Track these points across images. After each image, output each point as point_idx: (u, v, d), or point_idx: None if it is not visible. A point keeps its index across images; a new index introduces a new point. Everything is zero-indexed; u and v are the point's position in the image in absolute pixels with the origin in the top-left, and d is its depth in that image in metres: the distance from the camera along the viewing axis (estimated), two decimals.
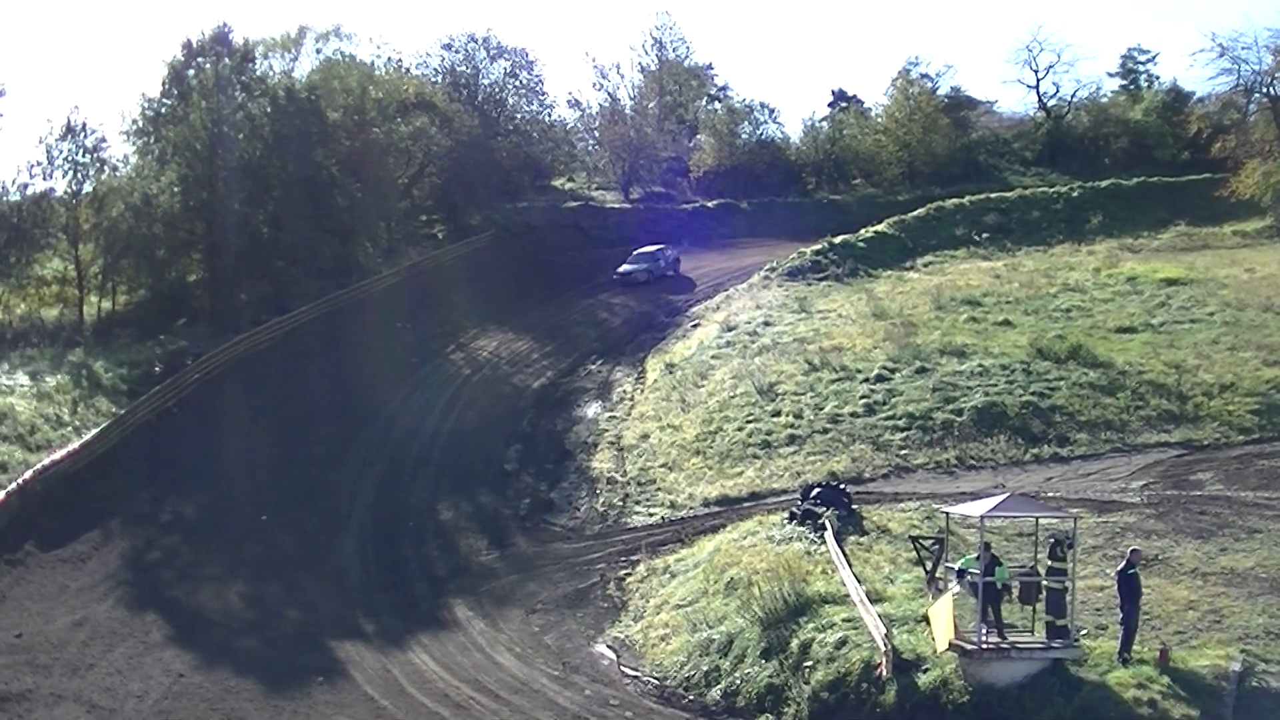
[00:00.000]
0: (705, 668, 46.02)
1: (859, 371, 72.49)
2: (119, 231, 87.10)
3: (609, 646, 51.00)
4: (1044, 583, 39.11)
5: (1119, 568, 39.87)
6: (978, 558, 39.38)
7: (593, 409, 79.37)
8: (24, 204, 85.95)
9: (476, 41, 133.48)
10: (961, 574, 40.07)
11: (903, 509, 56.57)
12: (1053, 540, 39.88)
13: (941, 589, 41.43)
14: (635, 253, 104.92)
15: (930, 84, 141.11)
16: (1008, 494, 47.25)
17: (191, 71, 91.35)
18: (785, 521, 55.21)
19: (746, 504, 61.79)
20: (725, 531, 57.30)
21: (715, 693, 44.68)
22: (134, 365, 76.48)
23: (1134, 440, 63.53)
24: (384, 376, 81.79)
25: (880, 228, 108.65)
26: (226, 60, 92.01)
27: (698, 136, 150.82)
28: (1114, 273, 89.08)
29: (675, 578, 54.62)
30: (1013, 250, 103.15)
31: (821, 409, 69.51)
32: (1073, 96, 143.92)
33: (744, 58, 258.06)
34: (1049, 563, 39.51)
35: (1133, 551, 40.51)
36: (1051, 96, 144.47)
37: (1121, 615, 39.13)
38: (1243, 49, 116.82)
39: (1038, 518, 42.71)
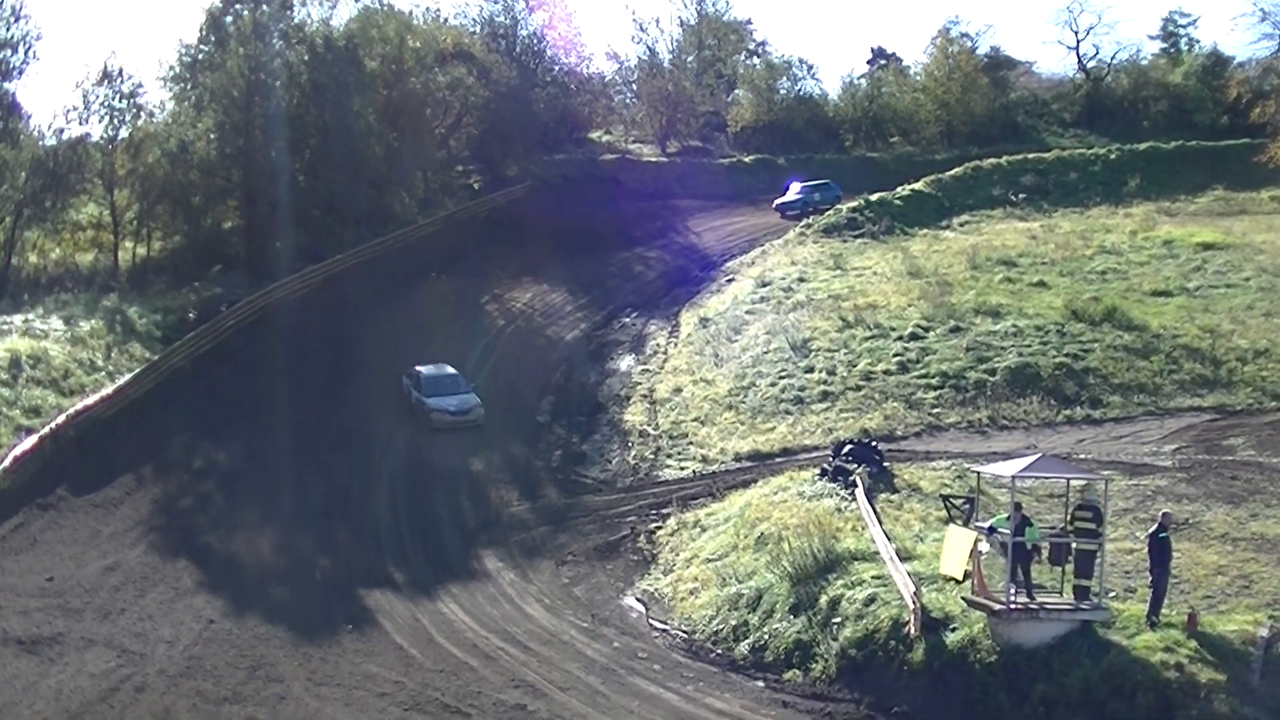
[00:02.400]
0: (734, 622, 46.13)
1: (893, 329, 72.59)
2: (155, 178, 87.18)
3: (638, 599, 51.17)
4: (1073, 544, 39.05)
5: (1150, 531, 39.85)
6: (1009, 518, 39.36)
7: (626, 362, 79.43)
8: (60, 149, 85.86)
9: None
10: (992, 531, 40.05)
11: (934, 467, 56.72)
12: (1078, 504, 39.88)
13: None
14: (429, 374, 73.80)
15: (970, 43, 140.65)
16: (1039, 455, 47.17)
17: (229, 18, 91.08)
18: (816, 478, 55.35)
19: (778, 459, 62.00)
20: (756, 487, 57.41)
21: (743, 647, 44.79)
22: (169, 312, 76.71)
23: (1167, 404, 63.75)
24: (418, 327, 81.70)
25: (917, 186, 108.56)
26: (265, 7, 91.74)
27: (736, 91, 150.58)
28: (1150, 236, 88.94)
29: (705, 532, 54.72)
30: (1049, 211, 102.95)
31: (855, 366, 69.65)
32: (1112, 59, 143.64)
33: (783, 13, 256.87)
34: (1070, 525, 39.49)
35: (1164, 515, 40.47)
36: (1091, 58, 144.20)
37: (1151, 578, 39.12)
38: None
39: (1069, 479, 42.64)
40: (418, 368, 73.18)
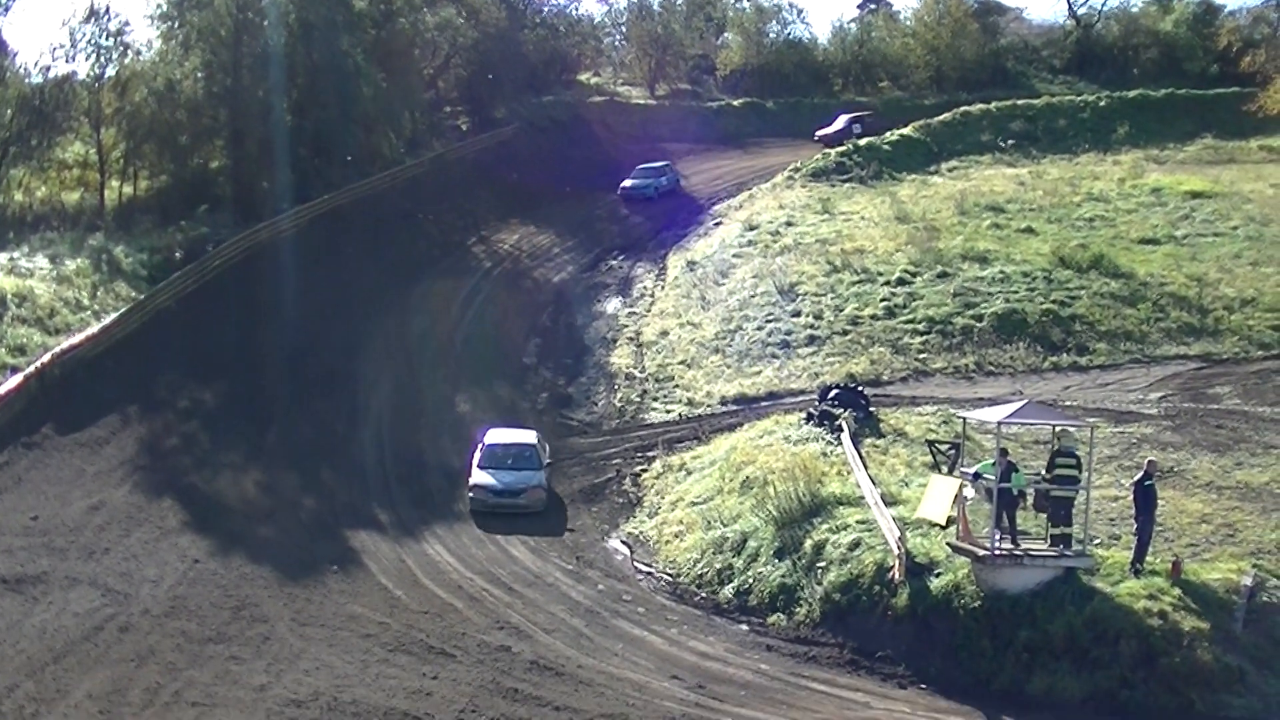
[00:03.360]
0: (718, 566, 46.20)
1: (880, 274, 72.46)
2: (141, 117, 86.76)
3: (623, 542, 51.26)
4: (1052, 491, 39.05)
5: (1135, 478, 39.92)
6: (994, 464, 39.36)
7: (613, 304, 79.44)
8: (46, 87, 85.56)
9: None
10: (977, 477, 40.06)
11: (920, 413, 56.71)
12: (1057, 450, 39.83)
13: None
14: None
15: None
16: (1026, 401, 47.20)
17: None
18: (802, 422, 55.41)
19: (764, 403, 62.06)
20: (742, 430, 57.50)
21: (728, 591, 44.87)
22: (155, 251, 76.51)
23: (1153, 352, 63.72)
24: (405, 268, 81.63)
25: (906, 131, 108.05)
26: None
27: (725, 35, 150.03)
28: (1139, 183, 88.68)
29: (691, 475, 54.82)
30: (1038, 158, 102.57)
31: (841, 310, 69.57)
32: (1103, 5, 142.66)
33: None
34: (1046, 474, 39.48)
35: (1149, 463, 40.59)
36: (1082, 5, 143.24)
37: (1136, 526, 39.21)
38: None
39: (1055, 426, 42.63)
40: (490, 431, 58.51)
